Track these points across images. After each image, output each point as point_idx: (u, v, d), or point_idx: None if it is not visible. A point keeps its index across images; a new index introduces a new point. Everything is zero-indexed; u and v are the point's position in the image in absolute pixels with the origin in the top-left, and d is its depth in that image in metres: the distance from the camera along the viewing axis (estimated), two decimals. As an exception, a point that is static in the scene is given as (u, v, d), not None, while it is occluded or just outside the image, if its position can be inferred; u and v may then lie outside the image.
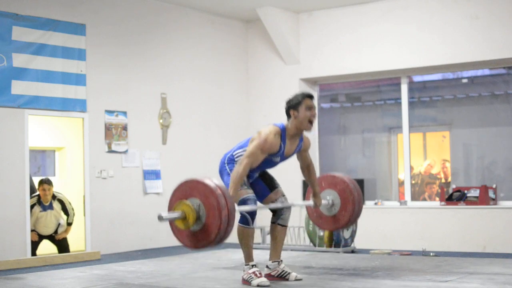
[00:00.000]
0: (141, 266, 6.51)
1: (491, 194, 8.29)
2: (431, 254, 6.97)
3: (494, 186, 8.35)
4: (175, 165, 8.79)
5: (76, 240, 8.27)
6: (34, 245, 7.59)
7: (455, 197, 8.52)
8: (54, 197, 7.95)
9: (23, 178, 7.28)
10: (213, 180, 4.49)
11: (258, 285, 4.91)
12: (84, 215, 7.88)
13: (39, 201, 7.79)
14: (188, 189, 4.51)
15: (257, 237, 7.01)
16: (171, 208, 4.54)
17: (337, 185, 5.59)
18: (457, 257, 6.69)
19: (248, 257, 5.04)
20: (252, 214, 4.94)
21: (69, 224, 8.04)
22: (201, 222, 4.42)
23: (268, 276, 5.14)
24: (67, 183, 9.21)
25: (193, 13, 9.25)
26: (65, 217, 8.02)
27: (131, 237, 8.27)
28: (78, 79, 7.79)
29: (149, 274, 5.87)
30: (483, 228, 8.12)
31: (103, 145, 8.08)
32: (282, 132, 5.00)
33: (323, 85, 9.93)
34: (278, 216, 5.18)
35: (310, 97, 5.05)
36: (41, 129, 8.95)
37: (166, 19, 8.94)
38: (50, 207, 7.87)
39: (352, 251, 7.31)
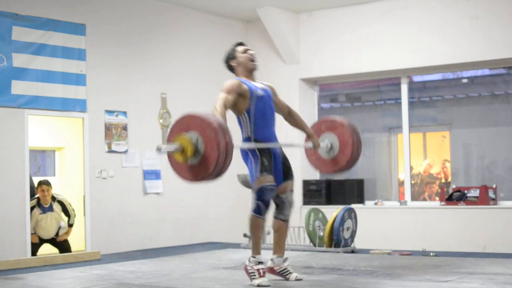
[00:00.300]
0: (141, 266, 6.51)
1: (491, 194, 8.29)
2: (431, 254, 6.96)
3: (494, 186, 8.35)
4: (175, 165, 8.77)
5: (76, 240, 8.27)
6: (34, 248, 7.57)
7: (455, 197, 8.52)
8: (54, 198, 7.92)
9: (23, 178, 7.28)
10: (211, 114, 4.55)
11: (258, 285, 4.92)
12: (84, 215, 7.87)
13: (38, 203, 7.76)
14: (186, 123, 4.57)
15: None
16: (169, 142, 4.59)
17: (336, 129, 5.67)
18: (457, 257, 6.68)
19: (256, 248, 5.07)
20: (266, 204, 4.99)
21: (70, 225, 8.04)
22: (199, 155, 4.46)
23: (271, 270, 5.18)
24: (67, 183, 9.21)
25: (193, 13, 9.25)
26: (66, 218, 8.01)
27: (131, 237, 8.26)
28: (78, 79, 7.79)
29: (149, 274, 5.87)
30: (483, 228, 8.12)
31: (103, 145, 8.08)
32: (239, 79, 5.18)
33: (323, 85, 9.93)
34: (280, 211, 5.21)
35: (241, 43, 5.37)
36: (41, 129, 8.95)
37: (166, 19, 8.94)
38: (50, 209, 7.85)
39: (352, 251, 7.30)
